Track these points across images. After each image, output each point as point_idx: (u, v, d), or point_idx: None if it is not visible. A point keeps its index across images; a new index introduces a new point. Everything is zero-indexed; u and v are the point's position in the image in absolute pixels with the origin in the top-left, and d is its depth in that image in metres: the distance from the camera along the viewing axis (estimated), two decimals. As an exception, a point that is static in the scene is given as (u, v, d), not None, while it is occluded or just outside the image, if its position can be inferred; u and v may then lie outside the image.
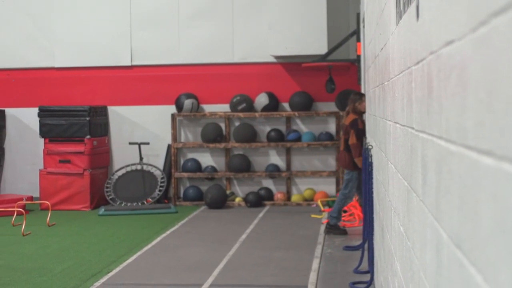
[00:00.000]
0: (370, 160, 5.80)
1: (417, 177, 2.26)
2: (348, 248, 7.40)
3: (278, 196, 10.69)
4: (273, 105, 10.84)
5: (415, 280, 2.33)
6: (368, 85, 6.76)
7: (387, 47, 3.77)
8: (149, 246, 7.84)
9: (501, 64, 1.05)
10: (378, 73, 4.69)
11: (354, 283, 5.96)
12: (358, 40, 9.45)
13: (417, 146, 2.25)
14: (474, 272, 1.26)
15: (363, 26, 8.19)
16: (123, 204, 10.51)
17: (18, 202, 9.80)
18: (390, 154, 3.63)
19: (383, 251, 4.33)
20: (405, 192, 2.71)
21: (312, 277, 6.31)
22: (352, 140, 7.81)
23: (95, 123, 10.85)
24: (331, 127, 10.89)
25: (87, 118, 10.69)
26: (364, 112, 7.74)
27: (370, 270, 5.87)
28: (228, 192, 10.78)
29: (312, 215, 9.63)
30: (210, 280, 6.27)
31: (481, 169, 1.19)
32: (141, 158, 10.95)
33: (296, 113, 10.70)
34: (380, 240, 4.79)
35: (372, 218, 5.74)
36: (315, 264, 6.78)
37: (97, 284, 6.21)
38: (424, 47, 2.02)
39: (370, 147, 5.87)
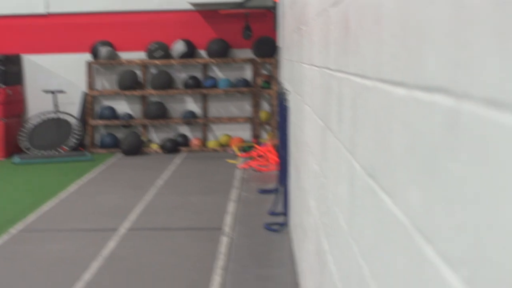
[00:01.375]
0: (286, 105, 5.89)
1: (332, 115, 2.34)
2: (264, 191, 7.54)
3: (194, 142, 10.74)
4: (190, 52, 10.83)
5: (330, 214, 2.43)
6: (285, 31, 6.82)
7: (304, -8, 3.83)
8: (66, 193, 7.82)
9: (414, -1, 1.12)
10: (296, 17, 4.76)
11: (269, 224, 6.09)
12: (275, -13, 9.47)
13: (333, 86, 2.33)
14: (385, 197, 1.34)
15: (280, -27, 8.21)
16: (38, 153, 10.39)
17: None
18: (306, 96, 3.72)
19: (299, 192, 4.45)
20: (320, 132, 2.80)
21: (228, 219, 6.42)
22: None
23: (8, 72, 10.63)
24: (248, 74, 10.95)
25: (1, 67, 10.46)
26: None
27: (285, 212, 6.01)
28: (144, 139, 10.77)
29: (228, 160, 9.74)
30: (126, 225, 6.32)
31: (394, 99, 1.26)
32: (56, 107, 10.81)
33: (213, 60, 10.71)
34: (295, 182, 4.90)
35: (287, 161, 5.86)
36: (231, 207, 6.89)
37: (14, 231, 6.18)
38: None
39: (286, 91, 5.96)
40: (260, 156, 9.58)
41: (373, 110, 1.50)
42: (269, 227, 6.04)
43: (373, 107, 1.50)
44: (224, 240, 5.73)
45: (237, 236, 5.89)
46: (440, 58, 0.93)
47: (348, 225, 1.94)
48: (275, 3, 9.46)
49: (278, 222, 6.13)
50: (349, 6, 1.90)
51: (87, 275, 4.93)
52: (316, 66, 3.02)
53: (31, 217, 6.67)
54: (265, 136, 10.82)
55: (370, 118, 1.55)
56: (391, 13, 1.30)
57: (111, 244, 5.72)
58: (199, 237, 5.90)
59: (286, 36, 6.51)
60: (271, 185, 7.85)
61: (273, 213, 6.52)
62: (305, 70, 3.78)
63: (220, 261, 5.16)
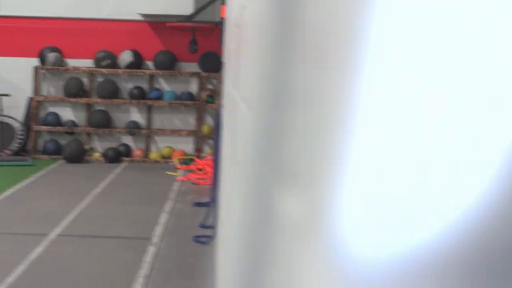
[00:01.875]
0: (220, 120, 5.98)
1: (229, 127, 2.46)
2: (198, 204, 7.62)
3: (137, 152, 10.79)
4: (137, 62, 10.88)
5: (224, 223, 2.54)
6: (226, 47, 6.94)
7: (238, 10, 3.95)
8: (1, 197, 7.81)
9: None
10: (228, 34, 4.88)
11: (198, 236, 6.18)
12: (223, 3, 9.59)
13: (233, 101, 2.45)
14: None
15: (227, -10, 8.33)
16: (-22, 154, 10.35)
17: None
18: (226, 112, 3.83)
19: (221, 205, 4.55)
20: (228, 142, 2.91)
21: (159, 230, 6.50)
22: None
23: (-48, 70, 10.58)
24: (193, 87, 11.04)
25: None
26: None
27: (214, 225, 6.09)
28: (87, 147, 10.79)
29: (168, 172, 9.80)
30: (57, 230, 6.36)
31: (242, 112, 1.38)
32: (0, 110, 10.78)
33: (160, 72, 10.79)
34: (221, 196, 5.00)
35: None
36: (163, 219, 6.96)
37: None
38: (237, 10, 2.20)
39: (222, 107, 6.05)
40: (199, 169, 9.66)
41: (240, 118, 1.61)
42: (197, 239, 6.12)
43: (238, 115, 1.61)
44: (151, 250, 5.80)
45: (165, 246, 5.97)
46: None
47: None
48: (222, 18, 9.57)
49: (207, 235, 6.21)
50: (240, 29, 2.02)
51: (10, 278, 4.97)
52: (231, 83, 3.14)
53: (-38, 219, 6.67)
54: (207, 150, 10.91)
55: (238, 124, 1.66)
56: (248, 39, 1.42)
57: (39, 249, 5.75)
58: (127, 246, 5.97)
59: (228, 52, 6.62)
60: (206, 198, 7.93)
61: (203, 226, 6.61)
62: (228, 87, 3.89)
63: (144, 270, 5.23)
